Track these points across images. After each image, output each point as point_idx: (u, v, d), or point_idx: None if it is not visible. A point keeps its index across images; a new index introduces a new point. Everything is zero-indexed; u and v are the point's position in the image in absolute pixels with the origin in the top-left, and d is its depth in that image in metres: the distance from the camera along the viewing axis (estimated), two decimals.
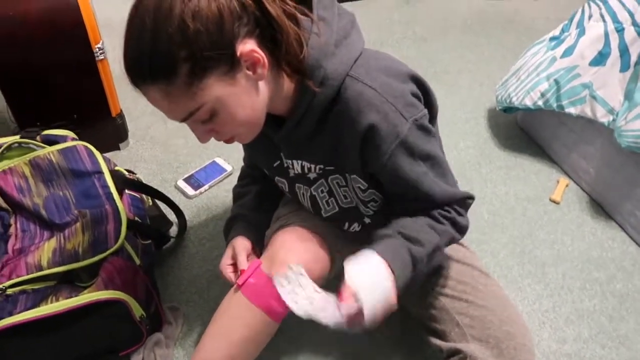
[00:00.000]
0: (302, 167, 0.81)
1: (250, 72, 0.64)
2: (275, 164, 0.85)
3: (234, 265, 0.88)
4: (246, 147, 0.98)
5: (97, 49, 1.26)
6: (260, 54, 0.63)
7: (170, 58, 0.59)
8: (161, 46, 0.58)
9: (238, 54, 0.61)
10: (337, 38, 0.69)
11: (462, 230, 0.80)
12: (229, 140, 0.72)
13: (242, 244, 0.89)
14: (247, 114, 0.67)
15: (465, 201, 0.81)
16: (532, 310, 1.09)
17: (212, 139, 0.71)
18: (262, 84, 0.67)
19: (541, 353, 1.01)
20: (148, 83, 0.62)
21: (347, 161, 0.76)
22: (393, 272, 0.70)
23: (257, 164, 0.95)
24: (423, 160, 0.75)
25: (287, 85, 0.71)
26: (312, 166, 0.80)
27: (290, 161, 0.82)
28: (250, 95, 0.66)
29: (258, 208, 0.97)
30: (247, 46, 0.62)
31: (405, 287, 0.73)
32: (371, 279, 0.69)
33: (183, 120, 0.66)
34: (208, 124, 0.67)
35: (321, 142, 0.75)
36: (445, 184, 0.78)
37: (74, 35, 1.21)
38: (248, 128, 0.71)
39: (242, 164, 1.09)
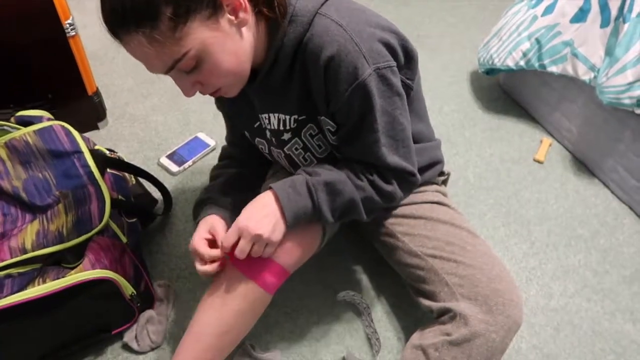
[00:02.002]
0: (278, 122, 0.81)
1: (232, 17, 0.65)
2: (255, 125, 0.85)
3: (210, 241, 0.84)
4: (228, 115, 0.96)
5: (68, 25, 1.22)
6: None
7: (152, 3, 0.59)
8: None
9: None
10: None
11: (385, 195, 0.80)
12: (214, 93, 0.71)
13: (218, 221, 0.85)
14: (232, 62, 0.67)
15: (403, 175, 0.80)
16: (519, 268, 1.11)
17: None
18: (245, 31, 0.68)
19: (529, 309, 1.04)
20: (131, 30, 0.61)
21: (317, 104, 0.75)
22: (278, 198, 0.73)
23: (240, 129, 0.93)
24: (378, 115, 0.73)
25: (262, 31, 0.71)
26: (287, 118, 0.79)
27: (266, 116, 0.81)
28: (234, 41, 0.66)
29: (229, 191, 0.92)
30: None
31: (307, 213, 0.75)
32: (251, 206, 0.75)
33: (167, 70, 0.65)
34: (193, 74, 0.67)
35: (293, 89, 0.75)
36: (394, 153, 0.77)
37: (43, 11, 1.17)
38: (233, 78, 0.70)
39: (224, 139, 1.07)
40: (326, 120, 0.78)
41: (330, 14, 0.69)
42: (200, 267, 0.79)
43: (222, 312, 0.80)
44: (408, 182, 0.82)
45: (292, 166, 0.88)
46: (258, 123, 0.84)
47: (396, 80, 0.74)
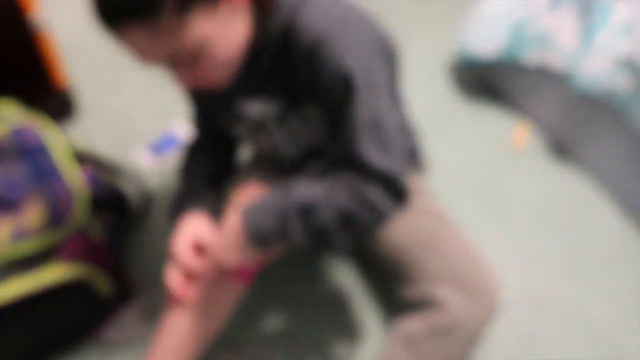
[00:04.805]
0: (260, 110, 0.78)
1: (229, 6, 0.63)
2: (231, 111, 0.81)
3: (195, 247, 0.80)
4: (198, 102, 0.91)
5: (34, 18, 1.18)
6: None
7: None
8: None
9: None
10: None
11: (374, 210, 0.69)
12: (202, 85, 0.68)
13: (203, 223, 0.81)
14: (229, 53, 0.66)
15: (392, 183, 0.69)
16: (497, 254, 1.13)
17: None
18: (239, 20, 0.66)
19: (508, 293, 1.05)
20: (128, 22, 0.58)
21: (301, 92, 0.73)
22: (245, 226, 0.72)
23: (208, 113, 0.89)
24: (362, 112, 0.68)
25: (251, 19, 0.69)
26: (269, 106, 0.77)
27: (247, 104, 0.79)
28: (230, 31, 0.65)
29: (206, 186, 0.88)
30: None
31: (274, 233, 0.71)
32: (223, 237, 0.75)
33: (163, 62, 0.63)
34: (189, 64, 0.64)
35: (277, 78, 0.73)
36: (382, 151, 0.69)
37: (4, 5, 1.12)
38: (228, 69, 0.68)
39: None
40: (310, 106, 0.75)
41: (317, 2, 0.68)
42: (174, 282, 0.77)
43: (195, 304, 0.78)
44: (396, 191, 0.70)
45: (275, 155, 0.86)
46: (235, 109, 0.81)
47: (383, 73, 0.71)
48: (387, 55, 0.71)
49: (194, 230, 0.79)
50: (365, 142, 0.68)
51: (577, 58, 1.19)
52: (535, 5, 1.28)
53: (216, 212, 0.85)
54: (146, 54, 0.62)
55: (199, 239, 0.79)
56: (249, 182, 0.86)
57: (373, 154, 0.68)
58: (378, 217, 0.70)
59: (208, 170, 0.91)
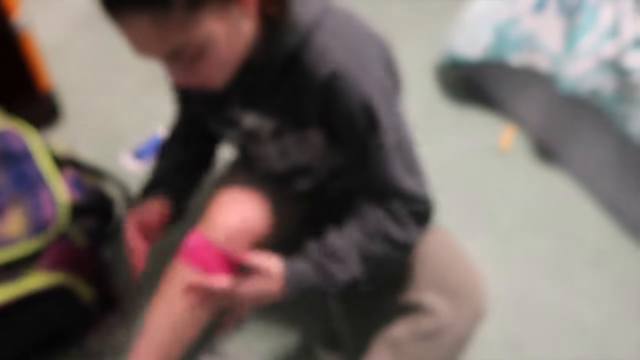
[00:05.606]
0: (254, 122, 0.77)
1: (240, 8, 0.61)
2: (224, 117, 0.80)
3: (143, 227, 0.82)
4: (185, 100, 0.90)
5: (17, 21, 1.16)
6: None
7: None
8: None
9: None
10: None
11: (406, 249, 0.73)
12: (196, 84, 0.66)
13: (155, 206, 0.83)
14: (232, 54, 0.63)
15: (423, 206, 0.73)
16: (484, 257, 1.12)
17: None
18: (246, 23, 0.63)
19: (494, 297, 1.05)
20: (136, 10, 0.54)
21: (306, 117, 0.72)
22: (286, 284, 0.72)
23: (196, 113, 0.87)
24: (389, 137, 0.70)
25: (259, 28, 0.66)
26: (266, 121, 0.75)
27: (243, 113, 0.77)
28: (237, 33, 0.62)
29: (182, 174, 0.88)
30: None
31: (317, 290, 0.74)
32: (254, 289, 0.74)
33: (164, 57, 0.60)
34: (189, 62, 0.62)
35: (279, 96, 0.71)
36: (411, 174, 0.72)
37: None
38: (224, 69, 0.65)
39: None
40: (313, 133, 0.74)
41: (332, 27, 0.66)
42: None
43: (172, 309, 0.78)
44: (423, 218, 0.74)
45: (263, 166, 0.84)
46: (227, 116, 0.79)
47: (392, 88, 0.71)
48: (391, 69, 0.72)
49: (147, 214, 0.81)
50: (397, 169, 0.70)
51: (562, 59, 1.20)
52: (520, 7, 1.29)
53: (183, 199, 0.86)
54: (147, 46, 0.59)
55: (147, 223, 0.81)
56: (231, 185, 0.85)
57: (405, 180, 0.71)
58: (408, 252, 0.75)
59: (183, 158, 0.89)
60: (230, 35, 0.61)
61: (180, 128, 0.93)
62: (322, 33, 0.66)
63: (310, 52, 0.66)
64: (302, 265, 0.73)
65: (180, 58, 0.61)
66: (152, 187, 0.86)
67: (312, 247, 0.75)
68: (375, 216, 0.72)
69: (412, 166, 0.72)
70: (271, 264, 0.73)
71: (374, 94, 0.67)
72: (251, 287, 0.73)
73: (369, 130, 0.68)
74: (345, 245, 0.72)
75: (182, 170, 0.88)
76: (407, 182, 0.71)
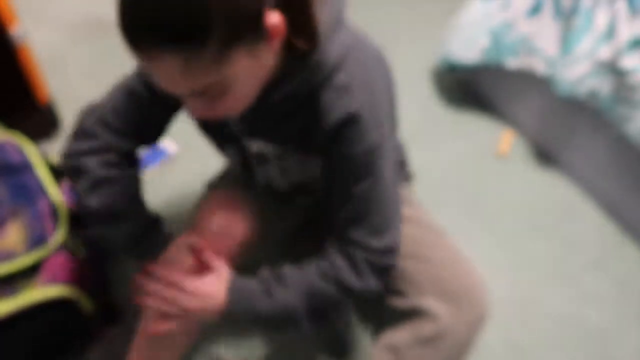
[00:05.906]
0: (261, 147, 0.77)
1: (268, 45, 0.57)
2: (230, 139, 0.79)
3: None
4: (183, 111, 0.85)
5: (14, 32, 1.16)
6: (283, 25, 0.56)
7: (204, 18, 0.49)
8: (195, 2, 0.49)
9: (266, 23, 0.54)
10: (335, 16, 0.64)
11: (352, 293, 0.72)
12: (213, 116, 0.63)
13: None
14: (253, 90, 0.61)
15: (383, 264, 0.73)
16: (485, 261, 1.12)
17: None
18: (270, 57, 0.60)
19: (495, 301, 1.05)
20: (166, 48, 0.50)
21: (313, 145, 0.71)
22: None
23: (204, 132, 0.85)
24: (375, 190, 0.70)
25: (281, 61, 0.63)
26: (273, 147, 0.76)
27: (250, 140, 0.77)
28: (261, 70, 0.60)
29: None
30: (275, 17, 0.54)
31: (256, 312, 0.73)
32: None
33: (187, 95, 0.58)
34: (209, 98, 0.59)
35: (290, 128, 0.71)
36: (379, 233, 0.72)
37: None
38: (245, 103, 0.63)
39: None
40: (318, 161, 0.74)
41: (352, 66, 0.65)
42: None
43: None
44: (383, 265, 0.74)
45: (265, 181, 0.85)
46: (234, 140, 0.79)
47: (388, 118, 0.72)
48: (391, 91, 0.72)
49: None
50: (370, 223, 0.71)
51: (559, 62, 1.20)
52: (514, 11, 1.29)
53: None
54: (174, 85, 0.56)
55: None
56: (219, 192, 0.86)
57: (373, 235, 0.71)
58: (364, 299, 0.75)
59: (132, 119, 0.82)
60: (254, 71, 0.59)
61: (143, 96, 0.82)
62: (343, 73, 0.65)
63: (329, 91, 0.65)
64: (249, 280, 0.74)
65: (204, 95, 0.58)
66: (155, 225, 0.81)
67: (265, 269, 0.76)
68: (334, 259, 0.72)
69: (386, 221, 0.72)
70: (224, 269, 0.75)
71: (381, 140, 0.68)
72: (200, 284, 0.73)
73: (360, 179, 0.69)
74: (296, 276, 0.73)
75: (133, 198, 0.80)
76: (374, 238, 0.71)
